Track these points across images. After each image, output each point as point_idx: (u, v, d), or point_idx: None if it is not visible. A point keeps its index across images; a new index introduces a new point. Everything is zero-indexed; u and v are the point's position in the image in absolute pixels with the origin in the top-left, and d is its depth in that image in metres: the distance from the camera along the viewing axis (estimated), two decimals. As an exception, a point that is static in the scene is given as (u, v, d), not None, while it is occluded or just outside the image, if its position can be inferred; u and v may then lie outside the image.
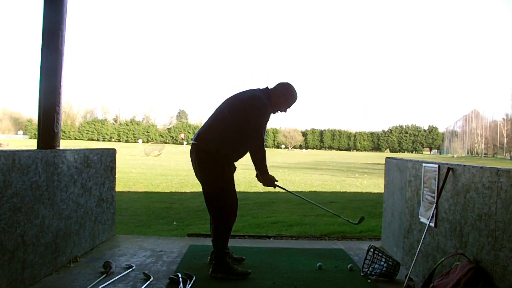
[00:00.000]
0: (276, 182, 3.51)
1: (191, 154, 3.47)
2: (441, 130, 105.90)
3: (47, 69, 3.65)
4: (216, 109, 3.52)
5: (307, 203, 8.52)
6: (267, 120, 3.42)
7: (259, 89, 3.53)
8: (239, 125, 3.34)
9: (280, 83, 3.56)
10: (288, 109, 3.60)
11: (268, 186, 3.53)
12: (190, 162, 3.51)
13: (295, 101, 3.59)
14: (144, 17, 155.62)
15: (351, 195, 10.74)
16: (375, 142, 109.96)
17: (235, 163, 3.52)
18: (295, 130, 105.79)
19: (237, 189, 3.57)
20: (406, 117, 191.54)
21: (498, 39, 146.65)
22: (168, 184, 12.31)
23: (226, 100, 3.52)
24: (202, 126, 3.49)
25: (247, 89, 3.56)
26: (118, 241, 4.36)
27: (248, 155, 3.44)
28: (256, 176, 3.58)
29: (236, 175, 3.56)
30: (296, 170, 21.13)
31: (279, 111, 3.58)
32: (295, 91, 3.56)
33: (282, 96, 3.50)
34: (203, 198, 3.47)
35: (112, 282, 3.08)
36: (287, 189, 3.76)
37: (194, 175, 3.55)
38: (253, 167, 3.46)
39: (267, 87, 3.55)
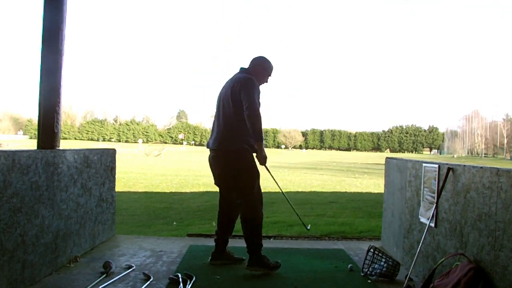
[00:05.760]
0: (266, 164, 3.59)
1: (214, 160, 3.55)
2: (441, 130, 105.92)
3: (47, 69, 3.65)
4: (218, 107, 3.58)
5: (306, 203, 8.55)
6: (259, 91, 3.49)
7: (239, 72, 3.63)
8: (243, 116, 3.40)
9: (253, 58, 3.71)
10: (269, 78, 3.73)
11: (262, 164, 3.54)
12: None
13: (272, 68, 3.73)
14: (144, 17, 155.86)
15: (351, 195, 10.74)
16: (375, 142, 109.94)
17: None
18: (295, 130, 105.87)
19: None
20: (406, 117, 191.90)
21: (498, 39, 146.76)
22: (168, 184, 12.31)
23: (222, 96, 3.57)
24: (215, 130, 3.56)
25: (231, 77, 3.63)
26: (118, 241, 4.36)
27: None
28: (255, 152, 3.56)
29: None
30: (296, 170, 21.13)
31: (263, 83, 3.70)
32: (268, 59, 3.72)
33: (259, 67, 3.65)
34: (215, 201, 3.47)
35: (112, 282, 3.08)
36: (273, 177, 3.89)
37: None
38: None
39: (243, 68, 3.66)
